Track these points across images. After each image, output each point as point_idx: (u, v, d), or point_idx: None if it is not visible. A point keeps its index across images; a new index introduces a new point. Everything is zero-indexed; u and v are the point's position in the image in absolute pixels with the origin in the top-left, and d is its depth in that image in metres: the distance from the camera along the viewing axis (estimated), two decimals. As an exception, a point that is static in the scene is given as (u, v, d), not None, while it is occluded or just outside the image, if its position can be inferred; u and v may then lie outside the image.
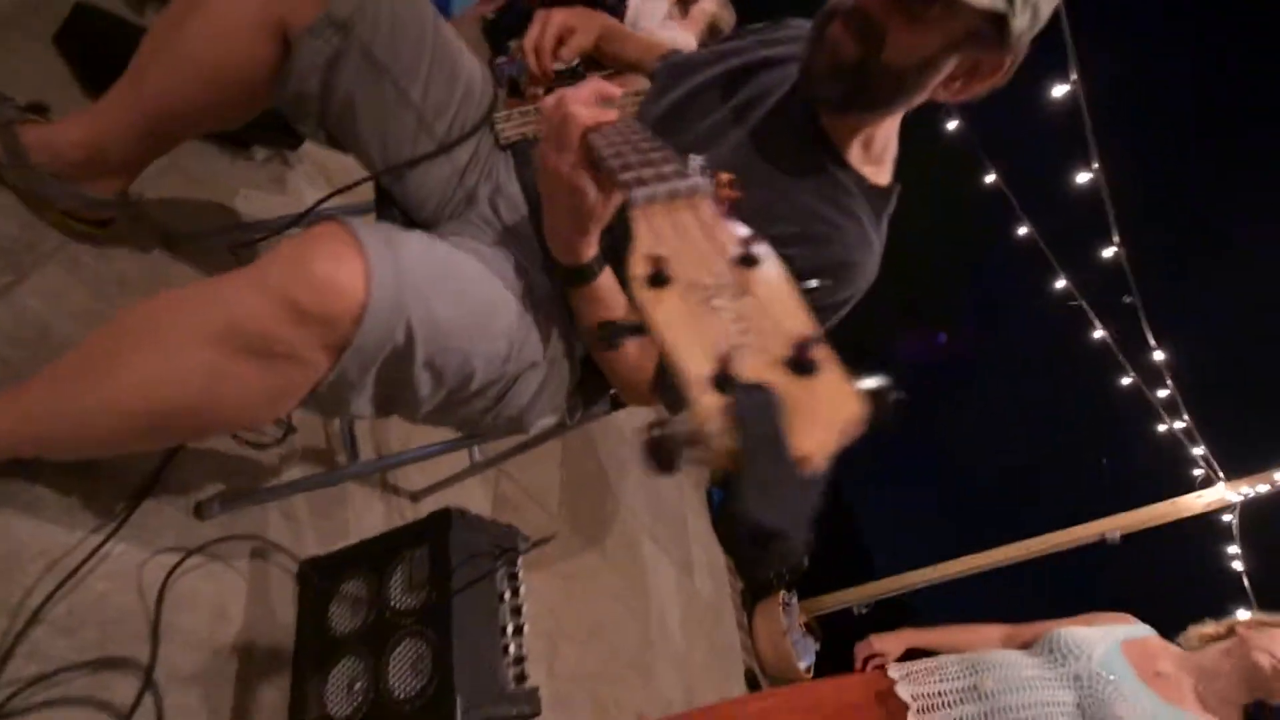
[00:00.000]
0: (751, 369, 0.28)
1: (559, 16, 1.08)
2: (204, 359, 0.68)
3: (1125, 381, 4.91)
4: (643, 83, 1.11)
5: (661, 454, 0.27)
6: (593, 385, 1.03)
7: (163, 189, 1.26)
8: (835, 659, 3.94)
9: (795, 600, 4.27)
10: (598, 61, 1.17)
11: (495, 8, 3.23)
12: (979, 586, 4.93)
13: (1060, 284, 4.67)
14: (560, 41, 1.07)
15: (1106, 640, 1.49)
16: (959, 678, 1.51)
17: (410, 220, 1.03)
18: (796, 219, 0.88)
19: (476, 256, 0.86)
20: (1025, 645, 1.59)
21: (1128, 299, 4.32)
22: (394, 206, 1.02)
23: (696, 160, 0.90)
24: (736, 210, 0.86)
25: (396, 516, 1.49)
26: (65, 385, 0.73)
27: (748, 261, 0.35)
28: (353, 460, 1.07)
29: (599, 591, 2.27)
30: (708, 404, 0.27)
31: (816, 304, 0.87)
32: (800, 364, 0.29)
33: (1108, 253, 4.05)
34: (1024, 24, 0.77)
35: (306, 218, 1.07)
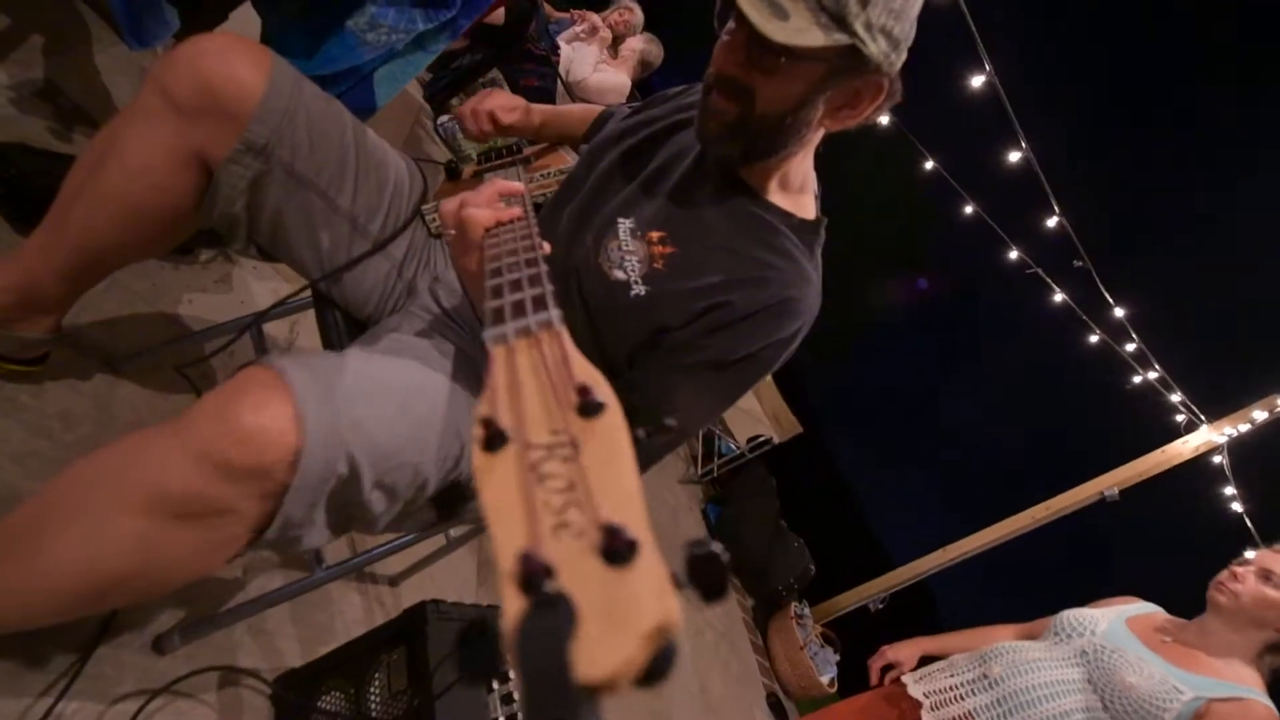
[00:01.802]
0: (561, 558, 0.27)
1: (499, 99, 1.17)
2: (134, 529, 0.65)
3: (1093, 340, 5.02)
4: (569, 156, 1.15)
5: (472, 662, 0.25)
6: None
7: (102, 309, 1.24)
8: (859, 666, 3.89)
9: (808, 610, 4.23)
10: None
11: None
12: (992, 563, 4.92)
13: (1013, 255, 4.80)
14: (494, 119, 1.17)
15: (1110, 616, 1.51)
16: (969, 670, 1.52)
17: (351, 319, 1.04)
18: (730, 266, 0.91)
19: (417, 357, 0.86)
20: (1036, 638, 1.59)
21: (1078, 263, 4.43)
22: (334, 309, 1.03)
23: (626, 223, 0.94)
24: (671, 265, 0.90)
25: (377, 606, 1.45)
26: None
27: (588, 411, 0.34)
28: (318, 564, 1.03)
29: None
30: (510, 607, 0.25)
31: (770, 342, 0.90)
32: (612, 552, 0.27)
33: (1051, 222, 4.16)
34: (881, 48, 0.78)
35: (250, 328, 1.07)
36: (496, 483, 0.31)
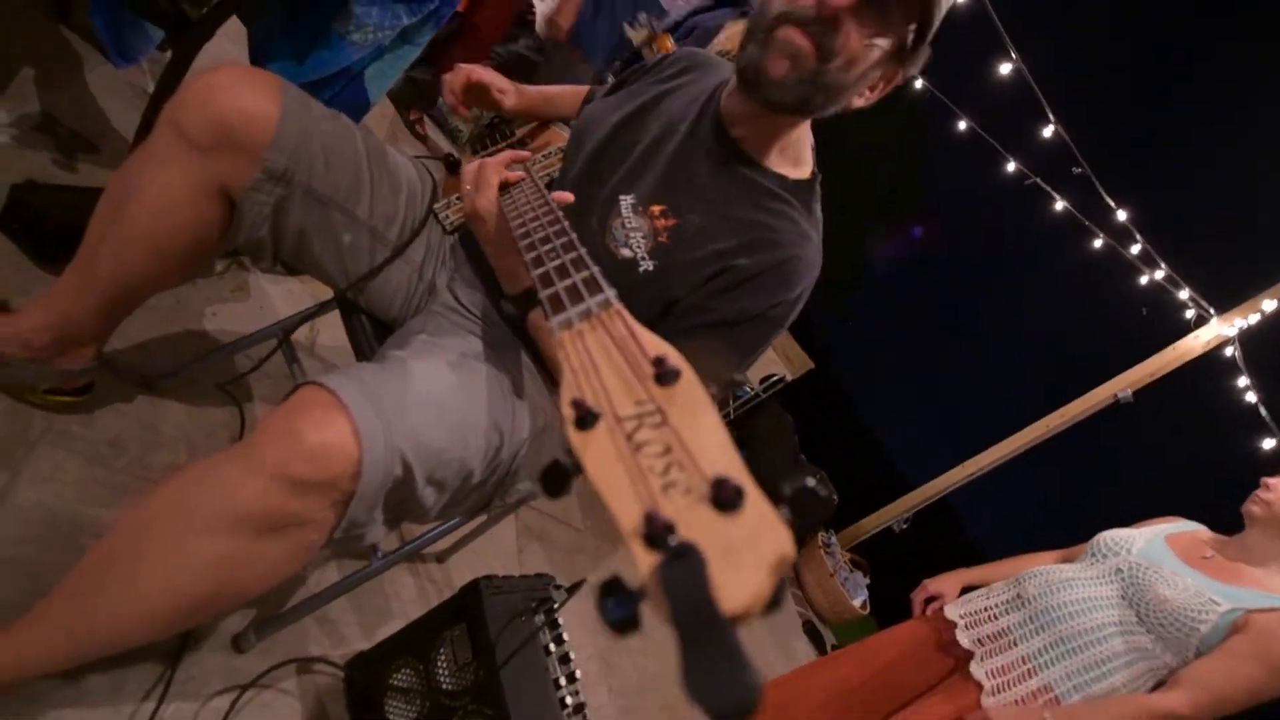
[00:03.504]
0: (677, 512, 0.29)
1: (488, 75, 1.19)
2: (219, 550, 0.70)
3: (1097, 245, 4.99)
4: (564, 133, 1.17)
5: (616, 611, 0.28)
6: None
7: (132, 334, 1.28)
8: (889, 587, 4.02)
9: (834, 538, 4.35)
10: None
11: None
12: (1015, 477, 4.99)
13: (1010, 167, 4.76)
14: (468, 86, 1.18)
15: (1148, 535, 1.52)
16: (1003, 592, 1.55)
17: (377, 322, 1.08)
18: (735, 231, 0.94)
19: (448, 357, 0.89)
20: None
21: (1077, 170, 4.38)
22: (360, 313, 1.06)
23: (627, 200, 0.97)
24: (675, 237, 0.93)
25: (429, 584, 1.52)
26: (86, 600, 0.73)
27: (665, 379, 0.37)
28: (375, 554, 1.10)
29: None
30: (643, 564, 0.28)
31: (778, 301, 0.93)
32: (723, 501, 0.29)
33: (1047, 132, 4.11)
34: (926, 49, 0.88)
35: (282, 344, 1.11)
36: (598, 457, 0.33)
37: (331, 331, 1.66)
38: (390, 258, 1.02)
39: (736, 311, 0.95)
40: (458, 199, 1.09)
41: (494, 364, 0.93)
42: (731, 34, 2.76)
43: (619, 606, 0.28)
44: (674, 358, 0.38)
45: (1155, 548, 1.46)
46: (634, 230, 0.96)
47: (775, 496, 0.30)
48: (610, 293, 0.47)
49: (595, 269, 0.53)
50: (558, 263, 0.56)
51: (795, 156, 1.01)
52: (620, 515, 0.30)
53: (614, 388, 0.37)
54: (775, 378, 4.52)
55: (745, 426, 4.69)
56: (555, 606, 1.07)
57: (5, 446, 1.02)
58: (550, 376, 1.02)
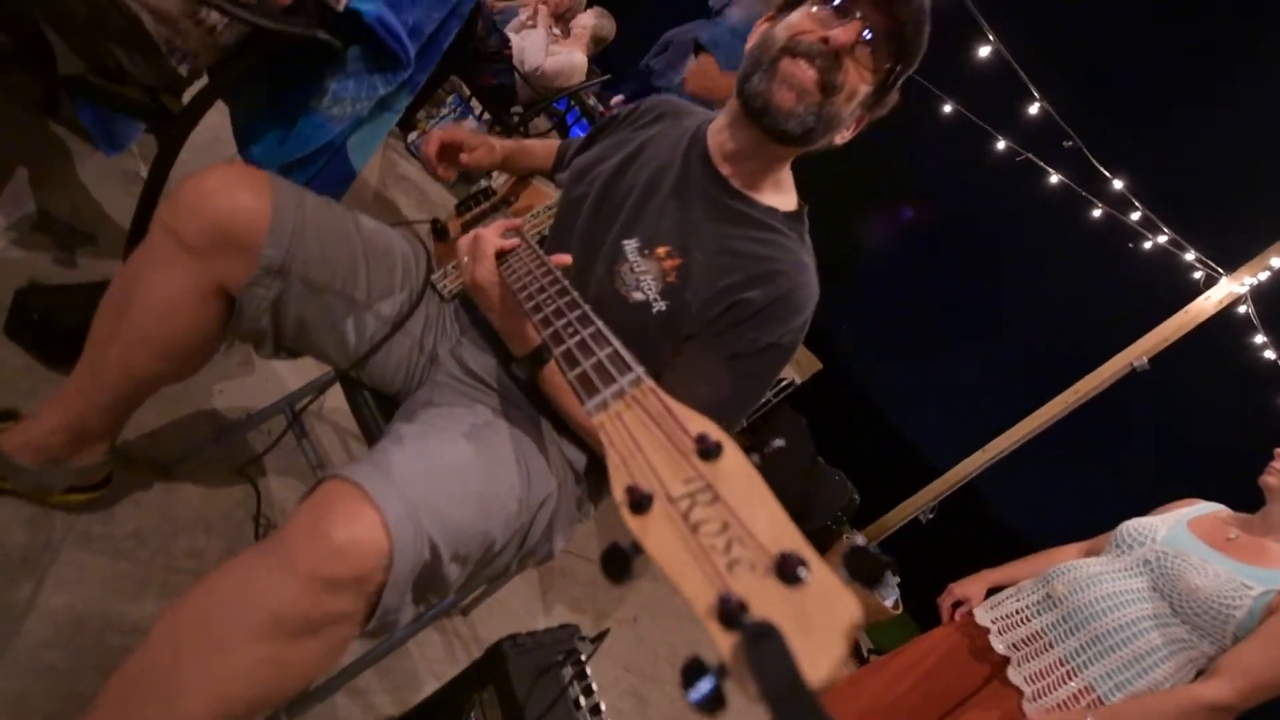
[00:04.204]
0: (747, 590, 0.30)
1: (463, 136, 1.21)
2: (260, 655, 0.70)
3: (1097, 215, 4.96)
4: (548, 189, 1.19)
5: (703, 693, 0.29)
6: (594, 471, 1.06)
7: (143, 422, 1.30)
8: (922, 580, 3.97)
9: (859, 536, 4.32)
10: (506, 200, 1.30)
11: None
12: (1037, 455, 4.96)
13: (1001, 145, 4.75)
14: (441, 150, 1.21)
15: (1170, 522, 1.50)
16: (1033, 592, 1.53)
17: (381, 396, 1.09)
18: (739, 265, 0.96)
19: (461, 428, 0.89)
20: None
21: (1068, 143, 4.37)
22: (363, 390, 1.07)
23: (631, 244, 0.98)
24: (684, 276, 0.94)
25: (455, 640, 1.52)
26: (126, 716, 0.72)
27: (709, 455, 0.37)
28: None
29: (666, 619, 2.29)
30: (721, 644, 0.29)
31: (788, 329, 0.95)
32: (789, 574, 0.31)
33: (1033, 109, 4.09)
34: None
35: (292, 425, 1.12)
36: (659, 540, 0.34)
37: (337, 396, 1.68)
38: (390, 333, 1.02)
39: (750, 343, 0.96)
40: (453, 267, 1.10)
41: (507, 429, 0.93)
42: (696, 72, 2.81)
43: (705, 687, 0.29)
44: (715, 432, 0.39)
45: (1179, 534, 1.44)
46: (644, 273, 0.97)
47: (842, 560, 0.32)
48: (639, 370, 0.48)
49: (617, 343, 0.53)
50: (577, 338, 0.57)
51: (783, 189, 1.04)
52: (692, 598, 0.32)
53: (661, 467, 0.38)
54: (784, 382, 4.51)
55: (759, 433, 4.68)
56: (583, 660, 1.07)
57: (30, 554, 1.04)
58: (563, 426, 1.02)
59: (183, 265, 0.91)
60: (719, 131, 1.03)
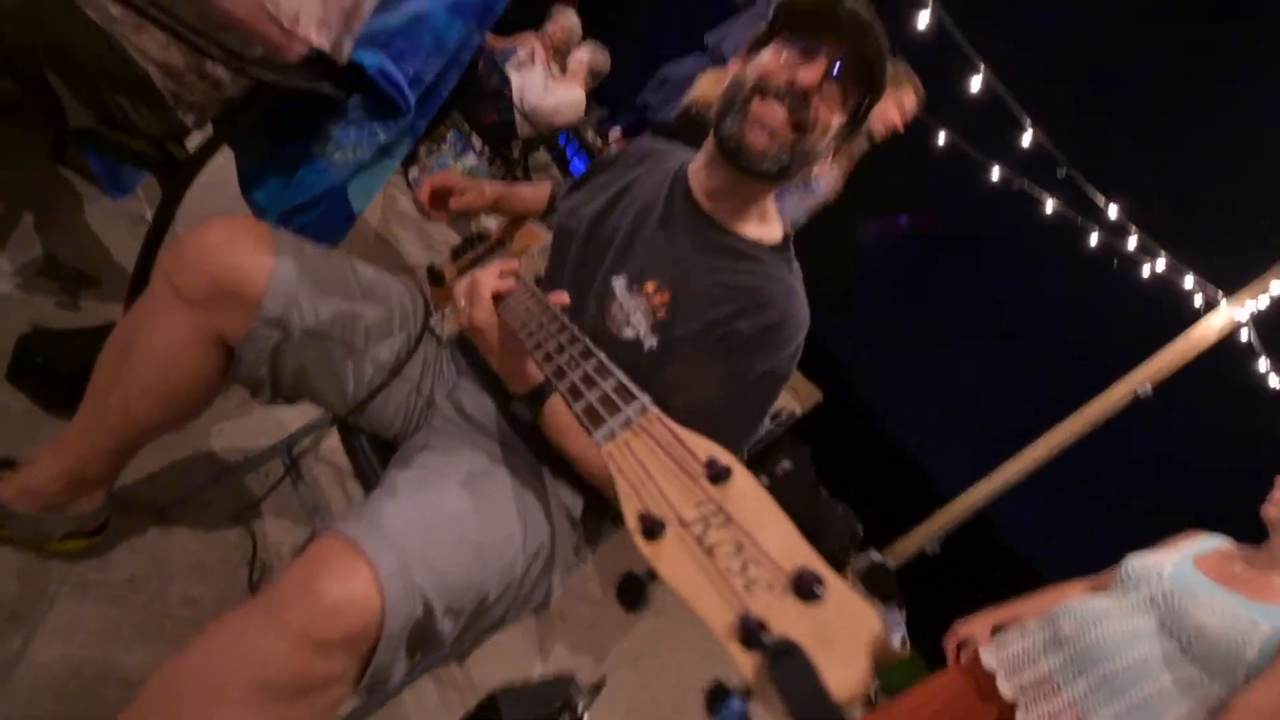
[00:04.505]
0: (766, 610, 0.31)
1: (452, 180, 1.23)
2: (253, 719, 0.68)
3: (1094, 243, 4.98)
4: (542, 231, 1.21)
5: (729, 716, 0.29)
6: (591, 516, 1.06)
7: (140, 465, 1.28)
8: (927, 615, 3.90)
9: (875, 554, 4.27)
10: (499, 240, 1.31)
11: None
12: (1043, 483, 4.91)
13: (995, 175, 4.79)
14: (433, 195, 1.23)
15: (1176, 558, 1.47)
16: (1039, 631, 1.49)
17: (377, 440, 1.09)
18: (728, 298, 0.97)
19: (457, 476, 0.88)
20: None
21: (1062, 172, 4.41)
22: (360, 435, 1.08)
23: (619, 281, 0.99)
24: (673, 310, 0.95)
25: (450, 689, 1.49)
26: None
27: (719, 478, 0.38)
28: None
29: (669, 654, 2.26)
30: (743, 664, 0.29)
31: (781, 356, 0.95)
32: (806, 591, 0.31)
33: (1026, 140, 4.14)
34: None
35: (290, 472, 1.12)
36: (674, 565, 0.35)
37: (335, 434, 1.68)
38: (388, 379, 1.03)
39: (744, 372, 0.97)
40: (450, 311, 1.11)
41: (505, 477, 0.93)
42: (707, 81, 2.82)
43: (736, 708, 0.29)
44: (723, 456, 0.39)
45: (1185, 572, 1.42)
46: (633, 310, 0.99)
47: (858, 576, 0.32)
48: (644, 398, 0.48)
49: (620, 374, 0.54)
50: (580, 372, 0.58)
51: (768, 220, 1.06)
52: (711, 620, 0.32)
53: (672, 493, 0.39)
54: (784, 413, 4.49)
55: (761, 465, 4.65)
56: (580, 711, 1.05)
57: (25, 603, 1.03)
58: (561, 471, 1.01)
59: (184, 317, 0.92)
60: (698, 171, 1.05)
